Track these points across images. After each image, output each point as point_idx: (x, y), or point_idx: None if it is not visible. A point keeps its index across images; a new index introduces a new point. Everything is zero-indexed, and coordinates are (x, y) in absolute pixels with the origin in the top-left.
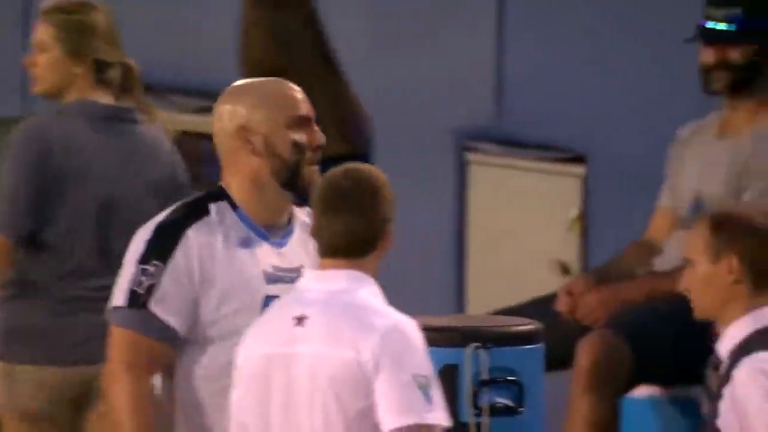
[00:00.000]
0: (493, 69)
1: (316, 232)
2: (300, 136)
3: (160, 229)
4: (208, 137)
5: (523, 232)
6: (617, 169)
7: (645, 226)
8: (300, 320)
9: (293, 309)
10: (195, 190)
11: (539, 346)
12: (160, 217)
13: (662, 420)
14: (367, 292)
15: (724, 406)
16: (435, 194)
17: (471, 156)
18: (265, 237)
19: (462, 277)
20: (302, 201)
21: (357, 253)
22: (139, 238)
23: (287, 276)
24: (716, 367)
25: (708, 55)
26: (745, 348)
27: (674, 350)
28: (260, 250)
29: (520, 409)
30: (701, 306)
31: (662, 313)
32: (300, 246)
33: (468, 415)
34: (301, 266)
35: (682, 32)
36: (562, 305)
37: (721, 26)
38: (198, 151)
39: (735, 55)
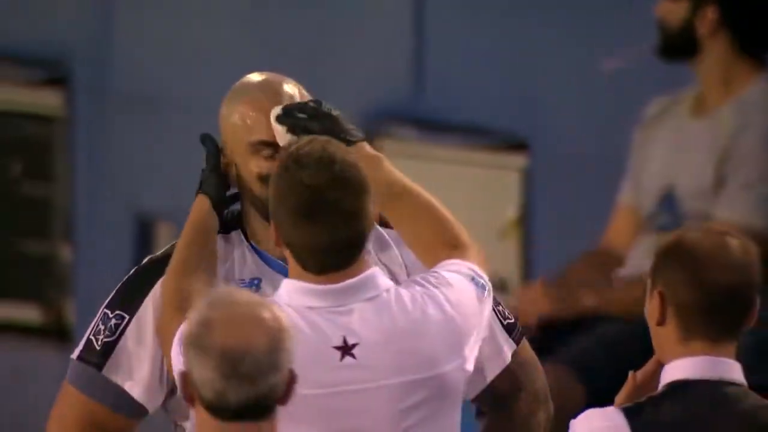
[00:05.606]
0: (412, 35)
1: None
2: (265, 165)
3: (142, 269)
4: (40, 118)
5: None
6: (566, 159)
7: (600, 231)
8: None
9: None
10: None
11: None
12: (162, 249)
13: None
14: None
15: None
16: None
17: (383, 143)
18: (285, 273)
19: None
20: None
21: None
22: (127, 275)
23: None
24: None
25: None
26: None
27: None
28: (274, 290)
29: None
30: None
31: (609, 339)
32: None
33: None
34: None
35: None
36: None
37: None
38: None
39: (670, 12)
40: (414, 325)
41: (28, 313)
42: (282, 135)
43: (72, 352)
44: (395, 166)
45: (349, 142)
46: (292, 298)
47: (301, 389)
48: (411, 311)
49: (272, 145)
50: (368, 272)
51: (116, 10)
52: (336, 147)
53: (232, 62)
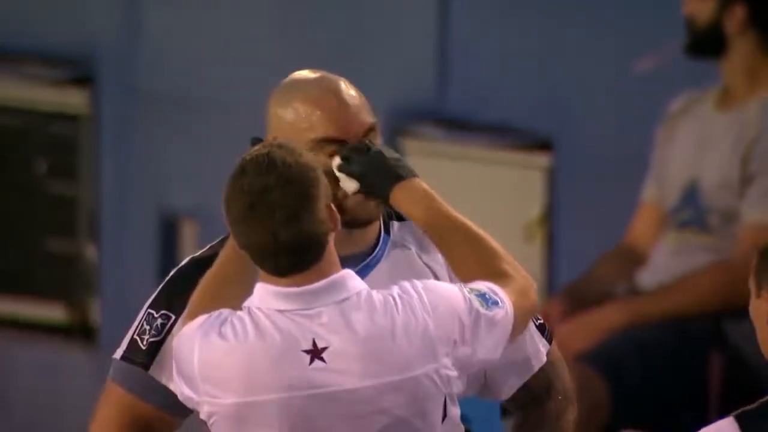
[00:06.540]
0: (437, 34)
1: None
2: (329, 162)
3: (185, 268)
4: (66, 117)
5: None
6: (590, 158)
7: (625, 231)
8: None
9: None
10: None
11: None
12: (202, 250)
13: None
14: None
15: None
16: None
17: (407, 142)
18: None
19: None
20: (398, 217)
21: None
22: (169, 275)
23: None
24: None
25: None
26: None
27: (657, 387)
28: None
29: None
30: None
31: (644, 342)
32: (389, 275)
33: None
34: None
35: None
36: None
37: None
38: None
39: (698, 9)
40: (383, 329)
41: (53, 312)
42: (347, 183)
43: (97, 350)
44: (420, 165)
45: (400, 179)
46: (262, 301)
47: (270, 393)
48: (381, 315)
49: (336, 141)
50: (338, 274)
51: (143, 9)
52: (285, 152)
53: (259, 61)
